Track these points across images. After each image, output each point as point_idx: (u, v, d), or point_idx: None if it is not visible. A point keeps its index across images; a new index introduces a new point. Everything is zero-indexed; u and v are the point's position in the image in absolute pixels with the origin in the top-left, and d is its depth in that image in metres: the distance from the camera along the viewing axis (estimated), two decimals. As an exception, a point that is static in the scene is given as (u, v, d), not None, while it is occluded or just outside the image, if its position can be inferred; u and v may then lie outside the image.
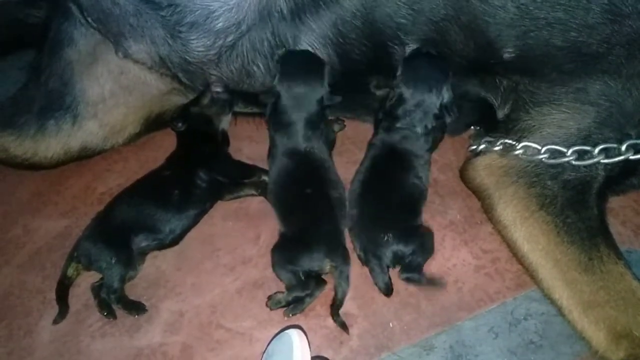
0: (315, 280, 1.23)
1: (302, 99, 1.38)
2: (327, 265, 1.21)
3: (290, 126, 1.37)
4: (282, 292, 1.23)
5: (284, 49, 1.42)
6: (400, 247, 1.22)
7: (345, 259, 1.24)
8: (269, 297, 1.23)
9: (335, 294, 1.21)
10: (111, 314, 1.25)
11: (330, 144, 1.46)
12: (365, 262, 1.25)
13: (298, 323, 1.20)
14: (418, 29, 1.37)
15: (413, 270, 1.23)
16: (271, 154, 1.40)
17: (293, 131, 1.37)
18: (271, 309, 1.22)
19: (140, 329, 1.25)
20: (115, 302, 1.26)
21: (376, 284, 1.23)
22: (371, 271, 1.24)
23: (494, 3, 1.30)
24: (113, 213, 1.34)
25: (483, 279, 1.28)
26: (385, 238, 1.22)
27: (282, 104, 1.38)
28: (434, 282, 1.25)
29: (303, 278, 1.21)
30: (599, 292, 1.15)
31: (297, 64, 1.39)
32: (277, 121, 1.40)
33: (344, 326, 1.19)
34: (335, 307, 1.20)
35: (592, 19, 1.25)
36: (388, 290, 1.23)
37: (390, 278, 1.23)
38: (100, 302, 1.26)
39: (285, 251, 1.25)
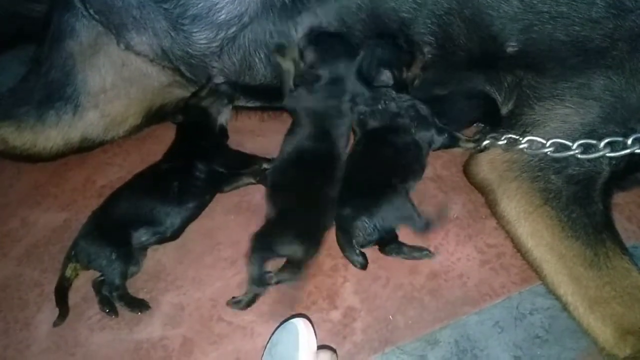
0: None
1: (342, 81, 1.38)
2: (299, 251, 1.19)
3: (330, 108, 1.37)
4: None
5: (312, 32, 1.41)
6: (365, 219, 1.20)
7: (314, 248, 1.22)
8: (231, 300, 1.22)
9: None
10: (113, 311, 1.23)
11: None
12: (336, 238, 1.25)
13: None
14: (421, 22, 1.36)
15: (390, 242, 1.23)
16: (292, 132, 1.38)
17: (334, 114, 1.37)
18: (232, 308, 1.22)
19: (140, 322, 1.23)
20: (118, 299, 1.24)
21: (350, 261, 1.23)
22: (340, 248, 1.24)
23: None
24: (110, 209, 1.32)
25: (488, 273, 1.27)
26: (345, 212, 1.22)
27: (323, 86, 1.39)
28: (419, 251, 1.25)
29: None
30: (605, 288, 1.14)
31: (334, 45, 1.40)
32: (317, 102, 1.38)
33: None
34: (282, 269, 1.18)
35: (596, 13, 1.26)
36: (360, 265, 1.22)
37: (363, 254, 1.23)
38: (101, 299, 1.24)
39: (264, 237, 1.23)
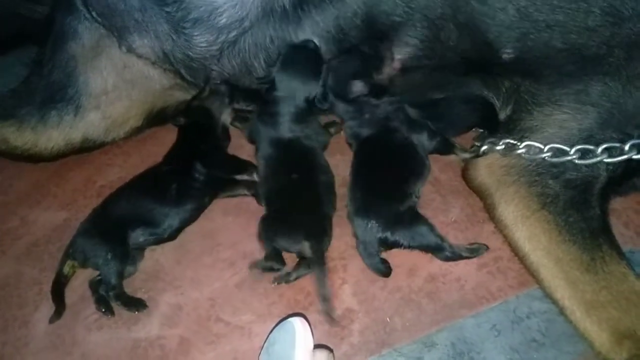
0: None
1: (293, 92, 1.40)
2: (306, 248, 1.20)
3: (276, 117, 1.39)
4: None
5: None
6: (387, 235, 1.22)
7: (324, 241, 1.23)
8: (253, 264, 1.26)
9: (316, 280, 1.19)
10: (109, 311, 1.23)
11: (324, 146, 1.45)
12: (356, 246, 1.26)
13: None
14: (413, 26, 1.38)
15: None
16: (257, 146, 1.42)
17: (278, 122, 1.39)
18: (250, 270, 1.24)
19: (138, 322, 1.23)
20: (114, 299, 1.24)
21: (372, 270, 1.24)
22: (361, 256, 1.25)
23: (493, 5, 1.31)
24: (109, 208, 1.33)
25: (485, 276, 1.27)
26: (369, 225, 1.22)
27: (274, 94, 1.41)
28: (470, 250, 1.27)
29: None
30: (602, 292, 1.14)
31: (299, 57, 1.41)
32: (264, 111, 1.42)
33: (329, 315, 1.16)
34: (320, 293, 1.17)
35: (592, 21, 1.27)
36: (382, 273, 1.23)
37: (385, 260, 1.24)
38: (98, 298, 1.24)
39: (269, 226, 1.25)
